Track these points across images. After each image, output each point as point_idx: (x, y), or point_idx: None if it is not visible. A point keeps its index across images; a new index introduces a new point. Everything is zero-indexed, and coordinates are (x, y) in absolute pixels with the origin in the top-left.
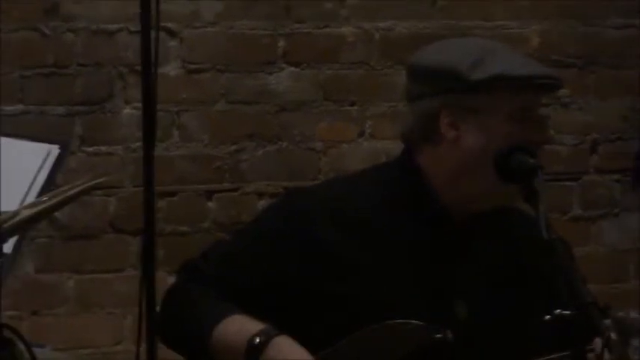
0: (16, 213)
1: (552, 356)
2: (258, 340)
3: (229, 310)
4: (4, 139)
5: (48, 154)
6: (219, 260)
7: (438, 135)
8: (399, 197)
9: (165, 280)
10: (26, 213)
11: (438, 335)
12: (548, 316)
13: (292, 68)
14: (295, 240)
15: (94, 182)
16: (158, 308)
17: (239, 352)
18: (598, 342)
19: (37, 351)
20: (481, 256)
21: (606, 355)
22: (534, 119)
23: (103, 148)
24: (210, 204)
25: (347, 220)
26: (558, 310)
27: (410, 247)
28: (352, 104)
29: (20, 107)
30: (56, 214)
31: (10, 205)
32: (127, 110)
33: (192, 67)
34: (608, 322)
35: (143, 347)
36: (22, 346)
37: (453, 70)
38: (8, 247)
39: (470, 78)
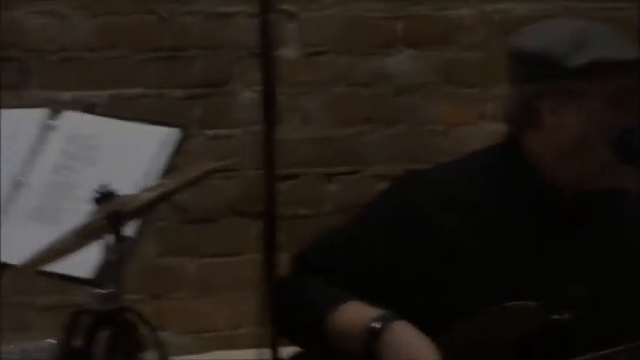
0: (136, 196)
1: None
2: (376, 325)
3: (345, 297)
4: (124, 123)
5: (167, 137)
6: (332, 248)
7: (539, 120)
8: (505, 180)
9: (286, 264)
10: (147, 196)
11: (556, 316)
12: None
13: (411, 51)
14: (409, 225)
15: (214, 165)
16: None
17: (356, 337)
18: None
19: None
20: (590, 235)
21: None
22: (634, 102)
23: (223, 131)
24: (330, 187)
25: (459, 204)
26: None
27: (519, 228)
28: (472, 86)
29: (139, 91)
30: (176, 197)
31: (131, 188)
32: (246, 93)
33: (311, 49)
34: None
35: (264, 331)
36: (145, 330)
37: (551, 56)
38: (130, 230)
39: (569, 64)
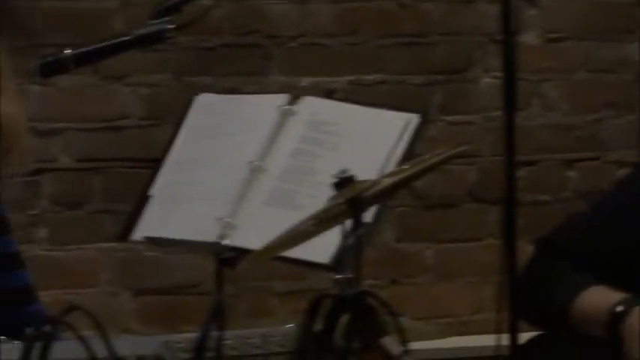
0: (376, 182)
1: None
2: (619, 308)
3: (588, 282)
4: (363, 108)
5: (407, 123)
6: (576, 233)
7: None
8: None
9: (526, 249)
10: (386, 182)
11: None
12: None
13: None
14: None
15: (454, 151)
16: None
17: (600, 321)
18: None
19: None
20: None
21: None
22: None
23: (462, 117)
24: (570, 173)
25: None
26: None
27: None
28: None
29: (379, 77)
30: (415, 183)
31: (370, 173)
32: (486, 79)
33: (552, 35)
34: None
35: (503, 316)
36: (385, 315)
37: None
38: (369, 215)
39: None
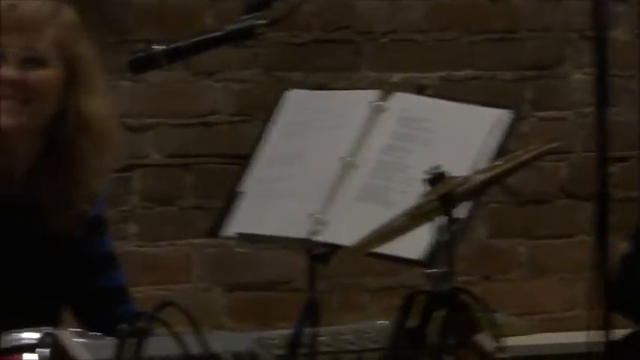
0: (468, 178)
1: None
2: None
3: None
4: (455, 105)
5: (499, 119)
6: None
7: None
8: None
9: (618, 245)
10: (479, 178)
11: None
12: None
13: None
14: None
15: (546, 147)
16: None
17: None
18: None
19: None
20: None
21: None
22: None
23: (554, 113)
24: None
25: None
26: None
27: None
28: None
29: (469, 72)
30: (508, 179)
31: (462, 170)
32: (577, 75)
33: None
34: None
35: (595, 313)
36: (479, 311)
37: None
38: (461, 212)
39: None
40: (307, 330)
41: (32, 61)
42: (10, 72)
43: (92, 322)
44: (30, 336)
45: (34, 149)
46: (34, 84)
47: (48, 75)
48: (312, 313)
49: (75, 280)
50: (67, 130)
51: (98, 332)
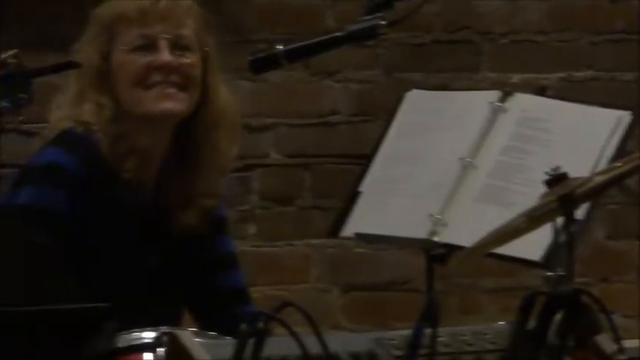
0: (588, 179)
1: None
2: None
3: None
4: (575, 106)
5: (619, 121)
6: None
7: None
8: None
9: None
10: (599, 179)
11: None
12: None
13: None
14: None
15: None
16: None
17: None
18: None
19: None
20: None
21: None
22: None
23: None
24: None
25: None
26: None
27: None
28: None
29: (590, 73)
30: (628, 180)
31: (582, 171)
32: None
33: None
34: None
35: None
36: (598, 313)
37: None
38: (581, 213)
39: None
40: (426, 330)
41: (180, 48)
42: (166, 56)
43: (211, 322)
44: (149, 335)
45: (166, 146)
46: (186, 68)
47: (194, 60)
48: (431, 314)
49: (196, 279)
50: (203, 123)
51: (216, 332)
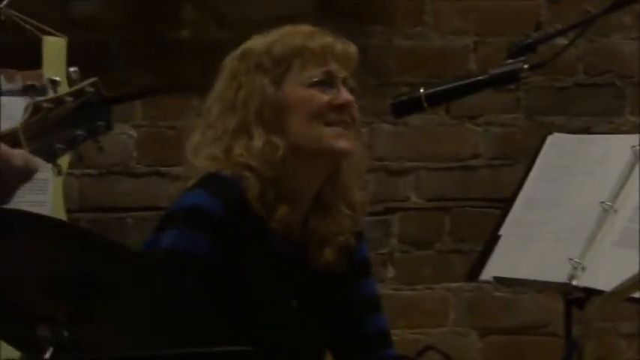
0: None
1: None
2: None
3: None
4: None
5: None
6: None
7: None
8: None
9: None
10: None
11: None
12: None
13: None
14: None
15: None
16: None
17: None
18: None
19: None
20: None
21: None
22: None
23: None
24: None
25: None
26: None
27: None
28: None
29: None
30: None
31: None
32: None
33: None
34: None
35: None
36: None
37: None
38: None
39: None
40: None
41: (348, 88)
42: (347, 95)
43: None
44: None
45: (318, 187)
46: (355, 109)
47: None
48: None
49: (340, 322)
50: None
51: None
